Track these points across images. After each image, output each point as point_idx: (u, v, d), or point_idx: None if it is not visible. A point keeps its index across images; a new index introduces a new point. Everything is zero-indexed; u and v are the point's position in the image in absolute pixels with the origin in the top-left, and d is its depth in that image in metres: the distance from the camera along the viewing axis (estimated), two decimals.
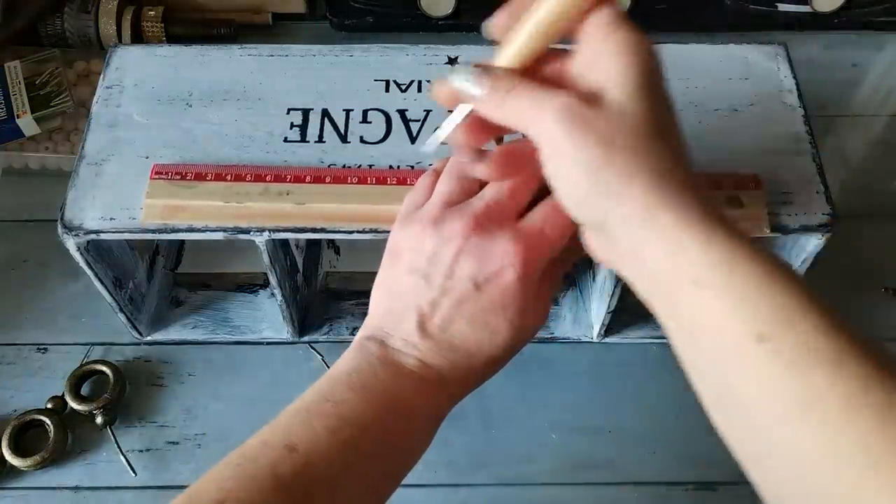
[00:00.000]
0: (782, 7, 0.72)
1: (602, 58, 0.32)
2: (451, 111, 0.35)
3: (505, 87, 0.33)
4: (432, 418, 0.37)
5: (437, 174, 0.40)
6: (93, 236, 0.44)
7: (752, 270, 0.28)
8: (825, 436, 0.25)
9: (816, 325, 0.27)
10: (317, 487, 0.32)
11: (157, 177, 0.45)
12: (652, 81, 0.32)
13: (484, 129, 0.36)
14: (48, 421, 0.50)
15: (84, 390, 0.52)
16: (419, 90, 0.49)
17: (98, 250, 0.47)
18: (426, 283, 0.37)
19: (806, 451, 0.26)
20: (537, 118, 0.31)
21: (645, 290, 0.32)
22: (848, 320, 0.28)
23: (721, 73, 0.50)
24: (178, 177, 0.45)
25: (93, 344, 0.54)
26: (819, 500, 0.26)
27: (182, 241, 0.59)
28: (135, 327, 0.53)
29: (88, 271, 0.47)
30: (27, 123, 0.60)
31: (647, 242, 0.30)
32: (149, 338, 0.55)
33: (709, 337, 0.29)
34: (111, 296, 0.50)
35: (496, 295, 0.36)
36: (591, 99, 0.31)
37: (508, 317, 0.37)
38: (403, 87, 0.49)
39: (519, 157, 0.45)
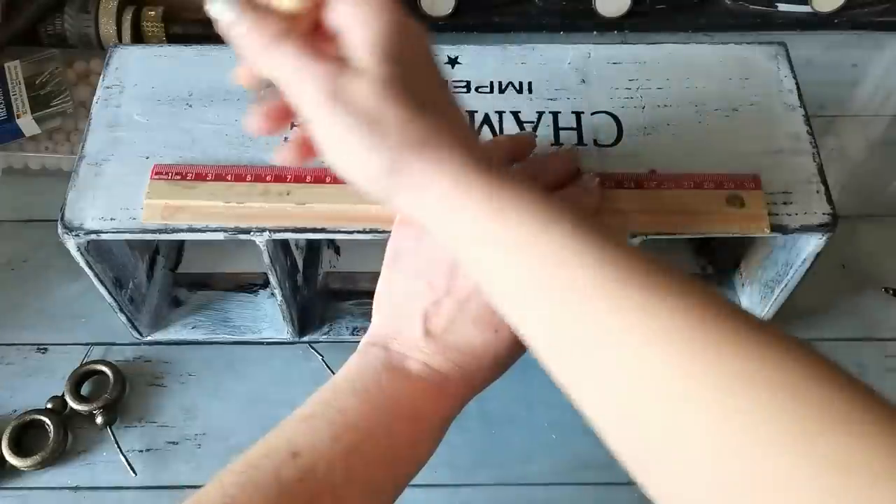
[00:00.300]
0: (782, 7, 0.72)
1: (356, 26, 0.31)
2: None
3: (271, 33, 0.31)
4: (438, 422, 0.37)
5: None
6: (93, 236, 0.44)
7: (527, 219, 0.30)
8: (629, 367, 0.27)
9: (584, 263, 0.29)
10: (321, 493, 0.32)
11: (157, 177, 0.45)
12: (406, 51, 0.31)
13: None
14: (48, 421, 0.50)
15: (84, 390, 0.52)
16: None
17: (98, 250, 0.47)
18: (428, 284, 0.37)
19: (618, 379, 0.28)
20: (299, 89, 0.31)
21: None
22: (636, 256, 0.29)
23: (721, 74, 0.50)
24: (179, 177, 0.45)
25: (93, 344, 0.54)
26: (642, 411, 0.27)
27: (182, 241, 0.59)
28: (135, 327, 0.53)
29: (88, 271, 0.47)
30: (27, 123, 0.60)
31: (428, 210, 0.31)
32: (149, 338, 0.55)
33: (497, 291, 0.31)
34: (111, 296, 0.50)
35: None
36: (348, 69, 0.31)
37: None
38: None
39: (520, 152, 0.45)
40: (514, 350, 0.37)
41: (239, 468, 0.32)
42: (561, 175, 0.43)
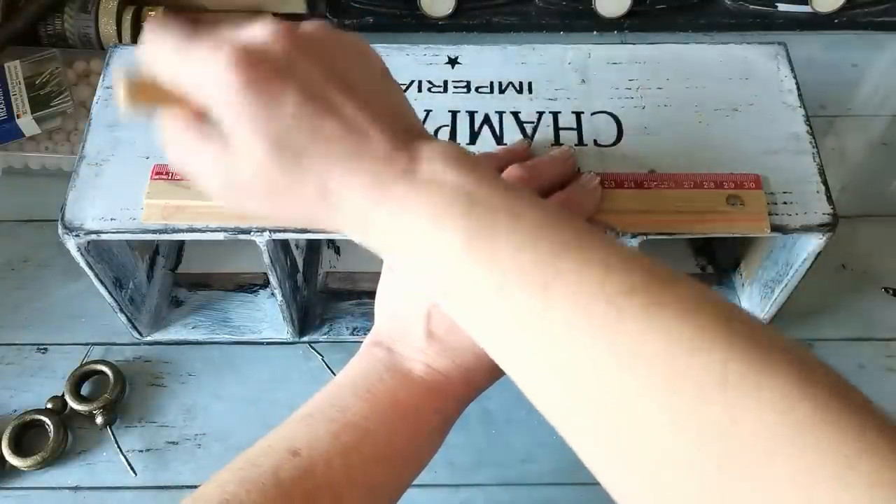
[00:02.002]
0: (782, 7, 0.72)
1: (214, 97, 0.30)
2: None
3: (168, 132, 0.32)
4: (439, 422, 0.37)
5: None
6: (93, 236, 0.44)
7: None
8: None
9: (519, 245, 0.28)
10: (319, 492, 0.32)
11: (157, 177, 0.45)
12: (281, 102, 0.30)
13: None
14: (48, 421, 0.50)
15: (84, 390, 0.52)
16: (419, 90, 0.49)
17: (98, 251, 0.47)
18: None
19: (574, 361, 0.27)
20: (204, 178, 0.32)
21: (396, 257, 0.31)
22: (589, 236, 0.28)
23: (721, 74, 0.50)
24: (179, 177, 0.45)
25: (93, 344, 0.54)
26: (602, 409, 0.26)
27: (182, 241, 0.59)
28: (135, 327, 0.53)
29: (89, 272, 0.47)
30: (27, 123, 0.60)
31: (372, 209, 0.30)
32: (149, 338, 0.55)
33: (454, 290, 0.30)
34: (111, 296, 0.50)
35: None
36: (229, 151, 0.30)
37: None
38: (403, 87, 0.49)
39: (521, 155, 0.45)
40: None
41: (238, 466, 0.33)
42: (557, 177, 0.43)
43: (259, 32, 0.32)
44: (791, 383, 0.23)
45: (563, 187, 0.43)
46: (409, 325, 0.37)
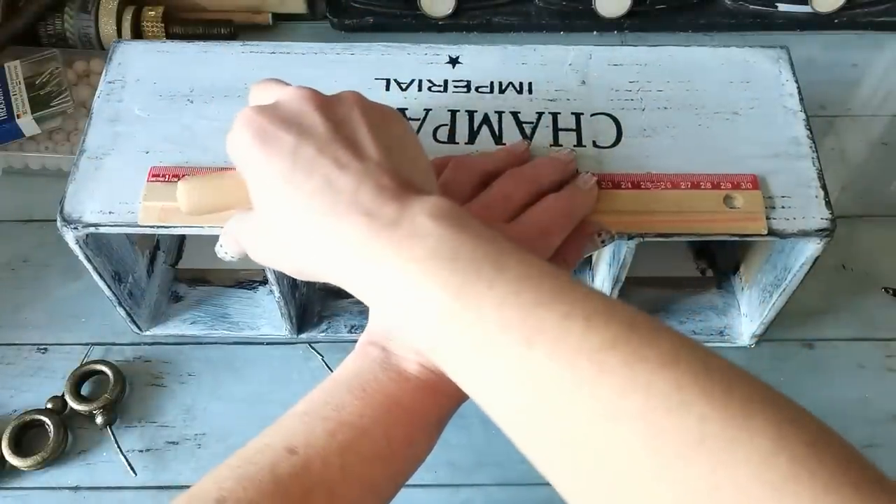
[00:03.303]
0: (782, 7, 0.72)
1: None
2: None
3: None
4: (434, 421, 0.37)
5: None
6: (91, 229, 0.44)
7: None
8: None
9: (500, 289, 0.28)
10: (316, 489, 0.32)
11: (154, 179, 0.45)
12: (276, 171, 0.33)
13: None
14: (48, 421, 0.50)
15: (84, 390, 0.52)
16: (419, 89, 0.49)
17: (97, 244, 0.47)
18: None
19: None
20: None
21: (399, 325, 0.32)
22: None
23: (722, 77, 0.50)
24: (176, 179, 0.45)
25: (93, 344, 0.54)
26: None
27: (183, 237, 0.59)
28: (134, 322, 0.54)
29: (87, 265, 0.47)
30: (27, 123, 0.60)
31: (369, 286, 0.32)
32: (147, 333, 0.55)
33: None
34: (110, 290, 0.50)
35: None
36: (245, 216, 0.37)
37: None
38: (404, 86, 0.50)
39: (520, 157, 0.45)
40: None
41: (234, 463, 0.33)
42: (556, 180, 0.43)
43: (286, 94, 0.35)
44: (768, 439, 0.24)
45: (559, 189, 0.43)
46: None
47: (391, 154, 0.34)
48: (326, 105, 0.34)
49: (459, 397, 0.38)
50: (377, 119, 0.35)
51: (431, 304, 0.29)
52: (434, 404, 0.37)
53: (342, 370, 0.37)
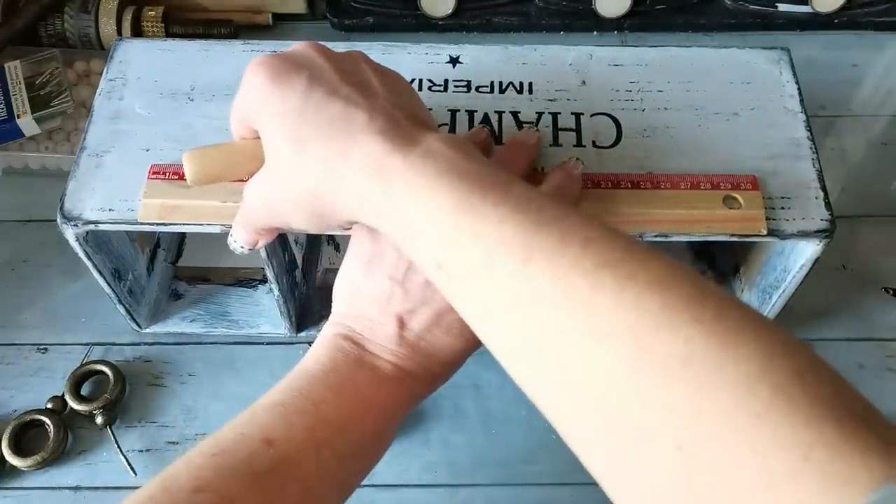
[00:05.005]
0: (782, 7, 0.72)
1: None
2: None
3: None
4: (399, 419, 0.38)
5: None
6: (91, 227, 0.44)
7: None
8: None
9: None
10: (291, 482, 0.33)
11: (154, 177, 0.45)
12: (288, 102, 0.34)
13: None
14: (48, 421, 0.50)
15: (84, 390, 0.52)
16: (420, 88, 0.49)
17: (97, 241, 0.47)
18: (404, 292, 0.38)
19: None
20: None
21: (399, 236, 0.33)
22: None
23: (723, 77, 0.50)
24: (176, 177, 0.45)
25: (93, 344, 0.54)
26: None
27: (183, 235, 0.59)
28: (133, 319, 0.54)
29: (87, 262, 0.47)
30: (27, 123, 0.60)
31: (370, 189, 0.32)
32: (147, 331, 0.55)
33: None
34: (110, 287, 0.50)
35: None
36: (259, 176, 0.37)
37: None
38: None
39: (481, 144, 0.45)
40: (472, 352, 0.39)
41: (210, 451, 0.33)
42: (528, 163, 0.44)
43: (295, 46, 0.37)
44: (755, 366, 0.24)
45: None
46: (380, 326, 0.38)
47: (400, 98, 0.35)
48: (334, 55, 0.36)
49: (424, 396, 0.40)
50: (383, 70, 0.37)
51: (438, 222, 0.30)
52: (404, 403, 0.38)
53: (315, 363, 0.38)
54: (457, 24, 0.72)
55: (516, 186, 0.30)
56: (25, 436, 0.50)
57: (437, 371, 0.39)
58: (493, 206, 0.29)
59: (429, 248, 0.31)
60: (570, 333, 0.27)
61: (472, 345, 0.39)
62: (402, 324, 0.38)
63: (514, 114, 0.48)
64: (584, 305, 0.27)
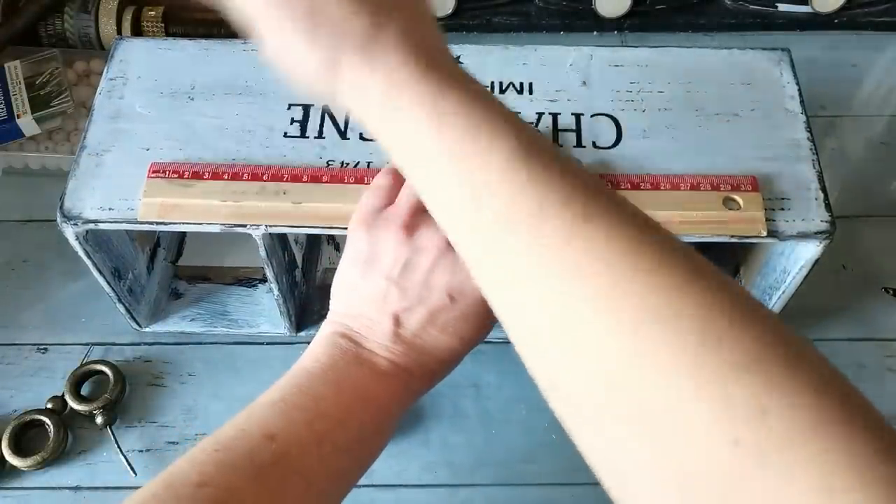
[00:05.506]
0: (782, 7, 0.72)
1: None
2: None
3: None
4: (397, 415, 0.38)
5: (396, 175, 0.40)
6: (91, 226, 0.44)
7: (471, 131, 0.28)
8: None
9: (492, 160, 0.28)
10: (293, 476, 0.33)
11: (154, 175, 0.45)
12: None
13: None
14: (48, 421, 0.50)
15: (84, 390, 0.52)
16: None
17: (97, 240, 0.47)
18: (400, 291, 0.38)
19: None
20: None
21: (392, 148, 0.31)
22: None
23: (723, 78, 0.50)
24: (176, 175, 0.45)
25: (93, 344, 0.54)
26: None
27: (183, 234, 0.59)
28: (133, 318, 0.54)
29: (87, 261, 0.47)
30: (27, 123, 0.60)
31: (367, 111, 0.30)
32: (147, 330, 0.55)
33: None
34: (110, 286, 0.50)
35: (469, 306, 0.38)
36: None
37: (478, 324, 0.39)
38: None
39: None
40: (470, 349, 0.40)
41: (212, 447, 0.33)
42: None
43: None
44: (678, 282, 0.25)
45: None
46: (377, 325, 0.38)
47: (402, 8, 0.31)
48: None
49: (421, 393, 0.40)
50: None
51: (415, 111, 0.29)
52: (401, 399, 0.38)
53: (314, 361, 0.38)
54: (457, 24, 0.72)
55: (505, 109, 0.30)
56: (25, 436, 0.50)
57: (433, 368, 0.39)
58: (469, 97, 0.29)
59: (406, 146, 0.30)
60: (552, 232, 0.27)
61: (468, 344, 0.39)
62: (397, 322, 0.38)
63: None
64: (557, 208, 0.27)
